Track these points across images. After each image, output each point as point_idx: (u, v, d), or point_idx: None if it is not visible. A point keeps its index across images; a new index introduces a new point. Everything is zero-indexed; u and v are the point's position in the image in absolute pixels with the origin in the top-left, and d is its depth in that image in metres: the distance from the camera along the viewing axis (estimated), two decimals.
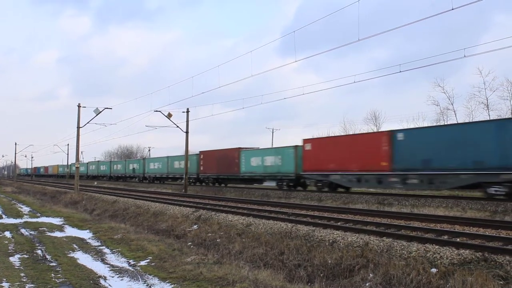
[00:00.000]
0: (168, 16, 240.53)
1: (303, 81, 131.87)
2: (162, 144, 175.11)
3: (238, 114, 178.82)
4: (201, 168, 49.96)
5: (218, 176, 47.40)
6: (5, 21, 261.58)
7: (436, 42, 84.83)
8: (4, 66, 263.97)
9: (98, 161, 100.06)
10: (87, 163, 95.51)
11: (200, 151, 51.79)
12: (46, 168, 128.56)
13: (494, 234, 12.39)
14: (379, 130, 52.31)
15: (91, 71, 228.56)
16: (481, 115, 50.47)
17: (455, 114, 53.09)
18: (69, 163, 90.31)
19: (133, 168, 72.03)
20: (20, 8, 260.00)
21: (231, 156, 44.99)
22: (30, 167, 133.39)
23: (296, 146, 36.98)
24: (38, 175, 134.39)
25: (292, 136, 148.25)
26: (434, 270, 8.77)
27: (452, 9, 14.58)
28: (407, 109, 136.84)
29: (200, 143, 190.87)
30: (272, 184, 42.21)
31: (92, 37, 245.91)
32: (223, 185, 47.59)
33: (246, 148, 44.91)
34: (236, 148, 45.01)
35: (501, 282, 8.09)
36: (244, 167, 43.04)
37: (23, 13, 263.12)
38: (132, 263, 10.93)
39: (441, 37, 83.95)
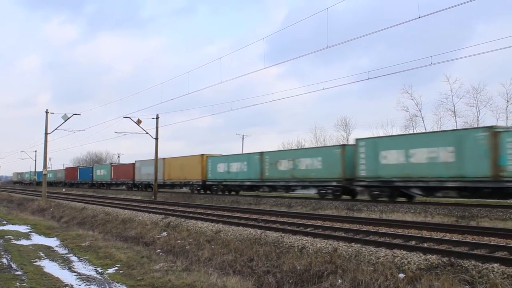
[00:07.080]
0: (158, 23, 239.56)
1: (285, 88, 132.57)
2: (134, 150, 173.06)
3: (215, 120, 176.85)
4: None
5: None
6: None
7: (420, 50, 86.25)
8: None
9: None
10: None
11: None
12: (117, 167, 64.90)
13: (460, 239, 12.63)
14: None
15: (73, 78, 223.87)
16: (449, 122, 51.49)
17: (423, 120, 53.92)
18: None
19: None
20: (15, 13, 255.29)
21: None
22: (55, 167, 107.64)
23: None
24: (87, 183, 71.88)
25: (268, 142, 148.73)
26: (401, 275, 8.86)
27: (419, 17, 14.88)
28: (383, 116, 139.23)
29: (174, 149, 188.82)
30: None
31: (80, 44, 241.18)
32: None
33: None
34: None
35: (467, 287, 8.23)
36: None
37: (15, 18, 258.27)
38: (100, 271, 10.79)
39: (424, 45, 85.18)
